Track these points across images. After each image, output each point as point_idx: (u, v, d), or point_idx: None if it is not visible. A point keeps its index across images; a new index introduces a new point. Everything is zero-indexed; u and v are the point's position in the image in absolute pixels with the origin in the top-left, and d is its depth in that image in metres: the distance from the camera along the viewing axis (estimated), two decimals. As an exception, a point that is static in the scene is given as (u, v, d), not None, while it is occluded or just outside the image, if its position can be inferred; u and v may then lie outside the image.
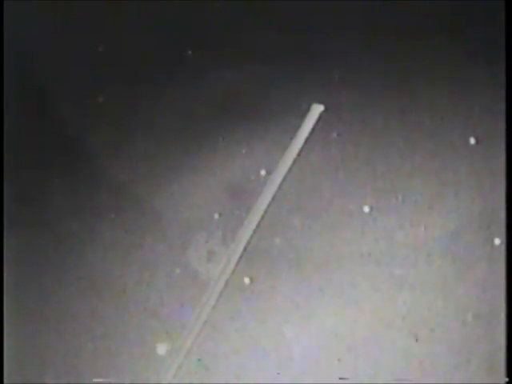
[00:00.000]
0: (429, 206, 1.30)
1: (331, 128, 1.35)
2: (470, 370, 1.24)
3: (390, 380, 1.26)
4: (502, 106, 1.24)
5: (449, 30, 1.33)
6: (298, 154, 1.34)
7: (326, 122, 1.34)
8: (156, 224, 1.37)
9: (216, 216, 1.36)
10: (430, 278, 1.28)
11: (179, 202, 1.38)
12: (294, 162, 1.34)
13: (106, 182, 1.39)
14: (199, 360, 1.31)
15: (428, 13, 1.33)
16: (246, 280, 1.32)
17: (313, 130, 1.34)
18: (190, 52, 1.41)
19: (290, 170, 1.34)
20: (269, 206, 1.33)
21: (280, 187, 1.34)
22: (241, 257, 1.32)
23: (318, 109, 1.34)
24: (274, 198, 1.34)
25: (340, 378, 1.26)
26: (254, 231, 1.33)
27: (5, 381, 1.27)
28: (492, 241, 1.27)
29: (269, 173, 1.35)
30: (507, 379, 1.18)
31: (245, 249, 1.33)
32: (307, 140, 1.34)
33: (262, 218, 1.33)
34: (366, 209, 1.32)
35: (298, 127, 1.34)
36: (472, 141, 1.31)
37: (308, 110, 1.34)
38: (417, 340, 1.27)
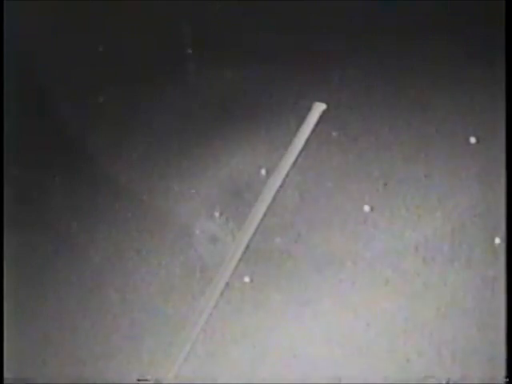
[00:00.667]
0: (429, 205, 1.30)
1: (331, 128, 1.35)
2: (470, 370, 1.24)
3: (389, 380, 1.26)
4: (503, 105, 1.24)
5: (449, 30, 1.33)
6: (299, 154, 1.34)
7: (325, 121, 1.34)
8: (156, 224, 1.37)
9: (216, 216, 1.36)
10: (430, 278, 1.28)
11: (179, 201, 1.38)
12: (295, 161, 1.34)
13: (106, 182, 1.39)
14: (199, 360, 1.31)
15: (428, 13, 1.33)
16: (246, 280, 1.32)
17: (313, 129, 1.34)
18: (189, 52, 1.41)
19: (290, 169, 1.34)
20: (269, 205, 1.33)
21: (280, 187, 1.34)
22: (241, 257, 1.32)
23: (319, 107, 1.34)
24: (274, 198, 1.34)
25: (340, 378, 1.26)
26: (254, 231, 1.33)
27: (5, 381, 1.27)
28: (492, 240, 1.27)
29: (269, 173, 1.35)
30: (507, 379, 1.18)
31: (245, 249, 1.32)
32: (307, 140, 1.34)
33: (262, 218, 1.33)
34: (366, 209, 1.32)
35: (298, 127, 1.34)
36: (472, 140, 1.31)
37: (308, 109, 1.34)
38: (417, 340, 1.27)
